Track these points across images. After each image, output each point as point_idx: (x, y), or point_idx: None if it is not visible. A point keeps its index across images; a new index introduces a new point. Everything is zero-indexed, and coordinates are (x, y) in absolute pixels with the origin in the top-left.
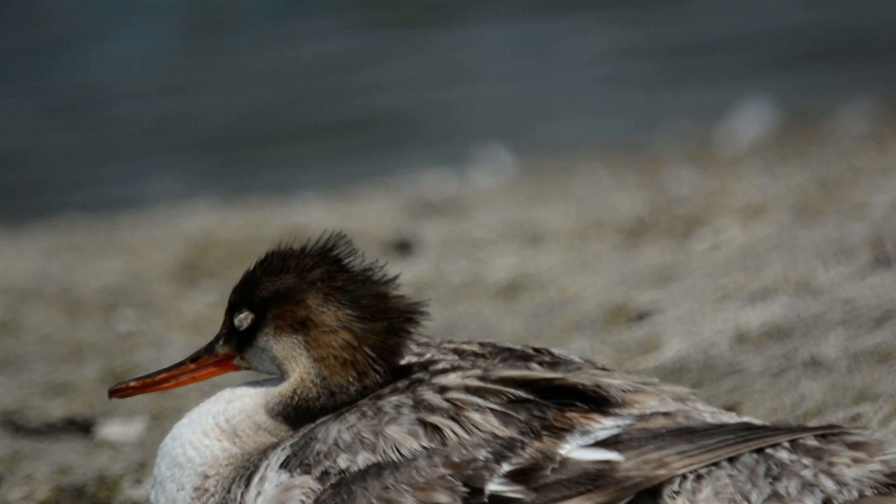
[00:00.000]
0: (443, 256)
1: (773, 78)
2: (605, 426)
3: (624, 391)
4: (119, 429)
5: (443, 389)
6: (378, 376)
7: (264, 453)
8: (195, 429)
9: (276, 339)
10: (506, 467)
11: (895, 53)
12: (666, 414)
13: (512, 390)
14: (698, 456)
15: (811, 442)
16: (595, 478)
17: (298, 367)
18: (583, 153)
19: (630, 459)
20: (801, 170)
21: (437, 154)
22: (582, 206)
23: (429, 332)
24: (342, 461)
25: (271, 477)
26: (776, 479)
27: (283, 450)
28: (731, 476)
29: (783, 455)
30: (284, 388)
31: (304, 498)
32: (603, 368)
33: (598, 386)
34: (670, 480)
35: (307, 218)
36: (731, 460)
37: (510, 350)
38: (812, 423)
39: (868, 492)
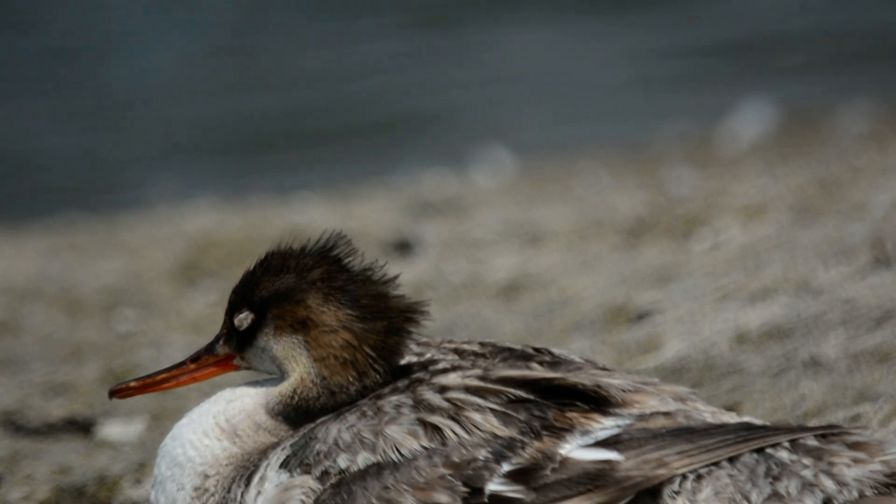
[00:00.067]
0: (443, 256)
1: (773, 78)
2: (606, 426)
3: (624, 391)
4: (119, 429)
5: (443, 389)
6: (378, 376)
7: (264, 453)
8: (195, 428)
9: (276, 339)
10: (506, 467)
11: (895, 54)
12: (666, 414)
13: (512, 390)
14: (698, 456)
15: (811, 442)
16: (595, 477)
17: (298, 367)
18: (583, 153)
19: (630, 459)
20: (801, 170)
21: (437, 154)
22: (582, 207)
23: (429, 331)
24: (342, 461)
25: (271, 477)
26: (776, 478)
27: (283, 449)
28: (731, 476)
29: (783, 455)
30: (284, 387)
31: (304, 498)
32: (603, 368)
33: (599, 386)
34: (670, 480)
35: (307, 218)
36: (731, 460)
37: (510, 350)
38: (812, 423)
39: (868, 492)
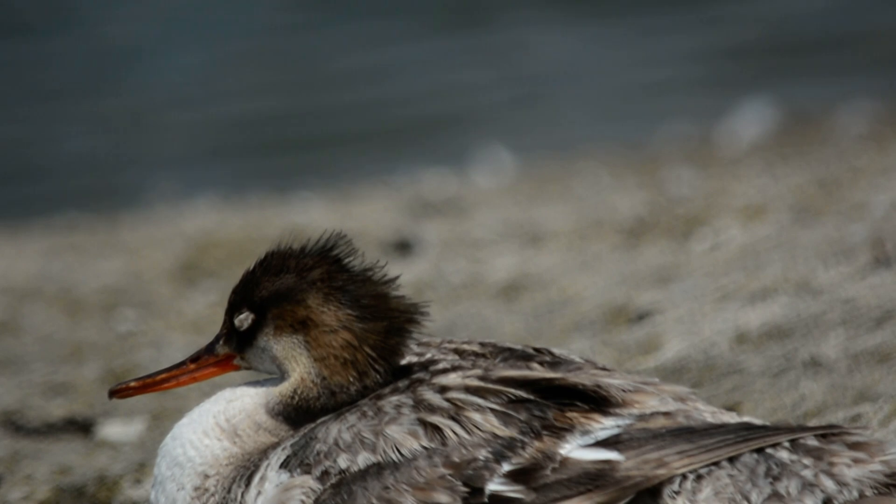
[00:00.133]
0: (443, 256)
1: (773, 78)
2: (606, 426)
3: (624, 391)
4: (119, 429)
5: (443, 389)
6: (378, 376)
7: (264, 453)
8: (195, 428)
9: (277, 339)
10: (506, 467)
11: (895, 55)
12: (666, 414)
13: (512, 390)
14: (698, 455)
15: (811, 442)
16: (595, 477)
17: (299, 367)
18: (583, 153)
19: (630, 459)
20: (801, 170)
21: (437, 154)
22: (582, 207)
23: (429, 332)
24: (342, 461)
25: (271, 477)
26: (776, 478)
27: (283, 449)
28: (731, 476)
29: (783, 455)
30: (285, 387)
31: (304, 498)
32: (603, 368)
33: (599, 386)
34: (670, 480)
35: (307, 218)
36: (731, 460)
37: (511, 350)
38: (812, 423)
39: (868, 492)
